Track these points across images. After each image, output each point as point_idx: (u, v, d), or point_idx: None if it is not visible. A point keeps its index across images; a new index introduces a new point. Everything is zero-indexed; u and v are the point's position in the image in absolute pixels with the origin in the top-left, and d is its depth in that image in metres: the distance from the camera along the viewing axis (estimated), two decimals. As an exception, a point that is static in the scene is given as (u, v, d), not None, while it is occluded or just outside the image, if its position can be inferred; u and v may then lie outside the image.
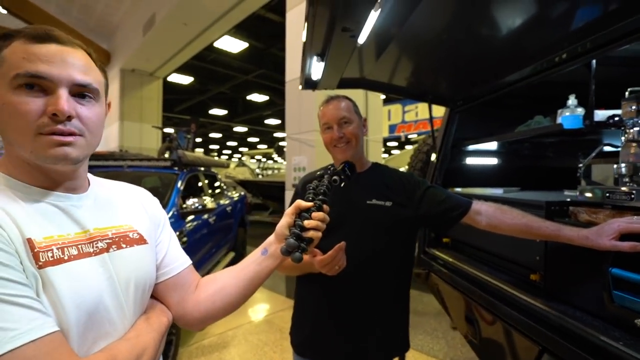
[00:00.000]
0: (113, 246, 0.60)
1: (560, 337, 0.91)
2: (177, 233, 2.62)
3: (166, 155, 4.77)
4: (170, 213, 2.71)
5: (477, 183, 1.86)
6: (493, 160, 1.97)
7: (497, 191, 1.49)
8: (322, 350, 1.08)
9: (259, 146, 25.06)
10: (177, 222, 2.75)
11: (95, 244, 0.57)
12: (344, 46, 1.18)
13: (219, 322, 3.20)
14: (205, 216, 3.26)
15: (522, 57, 1.28)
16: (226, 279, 0.74)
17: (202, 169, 4.06)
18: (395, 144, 15.29)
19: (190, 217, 2.96)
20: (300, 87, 1.70)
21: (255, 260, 0.74)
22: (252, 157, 16.55)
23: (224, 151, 29.17)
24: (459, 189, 1.74)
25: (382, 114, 6.43)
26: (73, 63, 0.53)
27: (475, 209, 1.06)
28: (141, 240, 0.66)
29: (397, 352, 1.12)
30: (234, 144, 25.19)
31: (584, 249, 0.87)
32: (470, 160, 1.93)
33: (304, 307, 1.16)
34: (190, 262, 0.77)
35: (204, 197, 3.15)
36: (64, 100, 0.50)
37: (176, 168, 3.32)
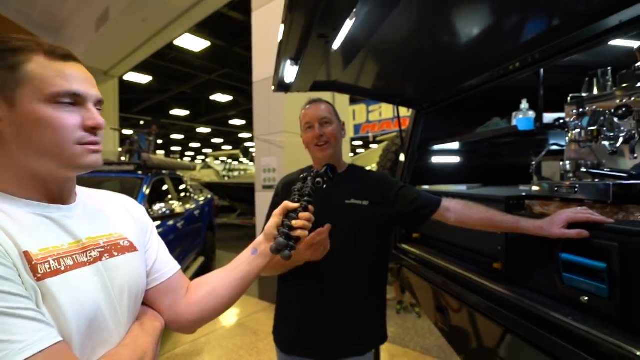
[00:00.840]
0: (105, 255, 0.60)
1: (520, 318, 1.02)
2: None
3: (123, 159, 4.53)
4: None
5: (443, 180, 1.98)
6: (456, 159, 2.12)
7: (461, 188, 1.61)
8: (307, 347, 1.11)
9: (223, 147, 24.42)
10: (144, 228, 2.64)
11: (89, 253, 0.57)
12: (318, 51, 1.22)
13: (190, 330, 3.10)
14: (172, 221, 3.15)
15: (480, 65, 1.40)
16: (217, 280, 0.76)
17: (167, 172, 3.92)
18: (360, 143, 15.62)
19: (157, 223, 2.85)
20: (273, 88, 1.71)
21: (246, 260, 0.77)
22: (217, 159, 16.11)
23: (187, 153, 28.07)
24: (426, 187, 1.85)
25: (348, 113, 6.58)
26: (92, 81, 0.59)
27: (445, 206, 1.15)
28: (131, 248, 0.66)
29: (377, 343, 1.18)
30: (197, 145, 24.34)
31: (539, 238, 0.98)
32: (436, 159, 2.05)
33: (287, 306, 1.18)
34: (179, 267, 0.79)
35: (172, 202, 3.04)
36: (98, 115, 0.58)
37: (140, 172, 3.17)
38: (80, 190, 0.67)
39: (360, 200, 1.16)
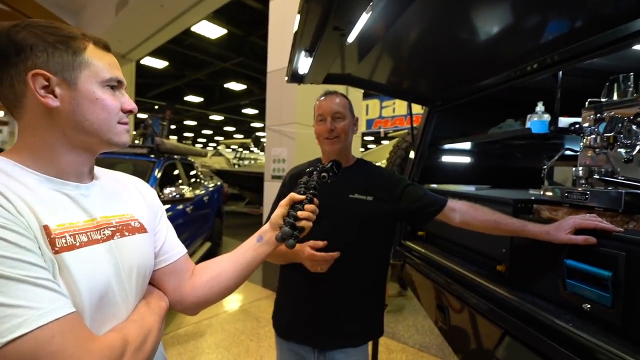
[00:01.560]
0: (117, 234, 0.63)
1: (520, 321, 1.02)
2: (154, 222, 2.58)
3: (137, 142, 4.60)
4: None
5: (452, 180, 1.97)
6: (467, 159, 2.09)
7: (470, 188, 1.59)
8: (304, 334, 1.14)
9: (235, 136, 24.58)
10: (154, 211, 2.69)
11: (102, 231, 0.60)
12: (333, 44, 1.22)
13: (194, 312, 3.18)
14: (182, 206, 3.21)
15: (497, 64, 1.37)
16: (223, 265, 0.79)
17: (179, 157, 3.98)
18: (371, 138, 15.52)
19: (167, 207, 2.92)
20: (286, 79, 1.72)
21: (252, 247, 0.80)
22: (228, 147, 16.24)
23: (199, 139, 28.37)
24: (434, 186, 1.84)
25: (362, 108, 6.52)
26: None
27: (450, 207, 1.14)
28: (142, 229, 0.69)
29: (373, 336, 1.20)
30: (210, 132, 24.55)
31: (544, 243, 0.97)
32: (446, 158, 2.03)
33: (287, 293, 1.21)
34: (185, 250, 0.82)
35: (182, 186, 3.10)
36: (131, 100, 0.65)
37: (153, 156, 3.23)
38: (98, 170, 0.70)
39: (364, 196, 1.17)
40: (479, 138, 1.53)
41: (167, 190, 2.87)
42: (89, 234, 0.57)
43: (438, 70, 1.58)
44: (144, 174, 2.95)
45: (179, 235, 0.83)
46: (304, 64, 1.48)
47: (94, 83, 0.58)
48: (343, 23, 1.04)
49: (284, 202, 0.80)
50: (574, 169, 1.16)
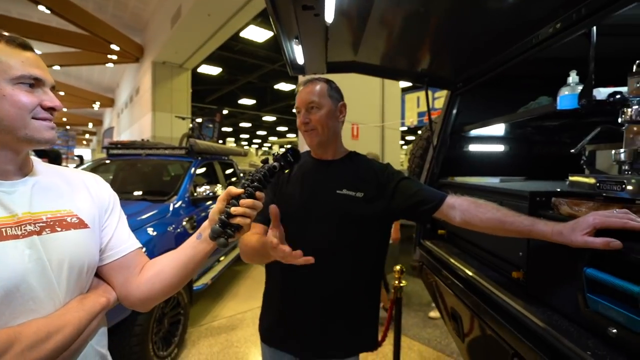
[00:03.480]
0: (46, 229, 0.63)
1: (532, 343, 0.83)
2: (187, 218, 2.72)
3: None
4: (181, 200, 2.81)
5: (480, 172, 1.72)
6: (498, 147, 1.80)
7: (493, 180, 1.36)
8: (283, 340, 1.07)
9: (288, 135, 25.29)
10: (188, 208, 2.84)
11: (24, 227, 0.61)
12: (312, 26, 1.11)
13: (229, 306, 3.31)
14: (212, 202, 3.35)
15: (515, 30, 1.14)
16: (164, 262, 0.77)
17: (225, 157, 4.17)
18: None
19: (208, 203, 3.08)
20: (289, 71, 1.65)
21: (191, 244, 0.76)
22: (282, 146, 16.73)
23: (254, 140, 29.76)
24: (457, 179, 1.62)
25: (399, 101, 6.09)
26: (47, 69, 0.66)
27: (449, 203, 0.98)
28: (80, 225, 0.69)
29: (364, 349, 1.08)
30: (264, 133, 25.61)
31: (564, 247, 0.77)
32: (473, 147, 1.78)
33: (269, 295, 1.14)
34: (138, 245, 0.81)
35: (216, 185, 3.22)
36: (55, 97, 0.65)
37: (191, 156, 3.42)
38: (41, 166, 0.72)
39: (353, 192, 1.05)
40: (496, 121, 1.29)
41: (200, 189, 3.01)
42: (3, 230, 0.58)
43: (449, 43, 1.37)
44: (183, 173, 3.13)
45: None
46: (298, 53, 1.41)
47: (2, 80, 0.59)
48: (309, 0, 0.94)
49: (221, 197, 0.74)
50: (613, 151, 0.91)
